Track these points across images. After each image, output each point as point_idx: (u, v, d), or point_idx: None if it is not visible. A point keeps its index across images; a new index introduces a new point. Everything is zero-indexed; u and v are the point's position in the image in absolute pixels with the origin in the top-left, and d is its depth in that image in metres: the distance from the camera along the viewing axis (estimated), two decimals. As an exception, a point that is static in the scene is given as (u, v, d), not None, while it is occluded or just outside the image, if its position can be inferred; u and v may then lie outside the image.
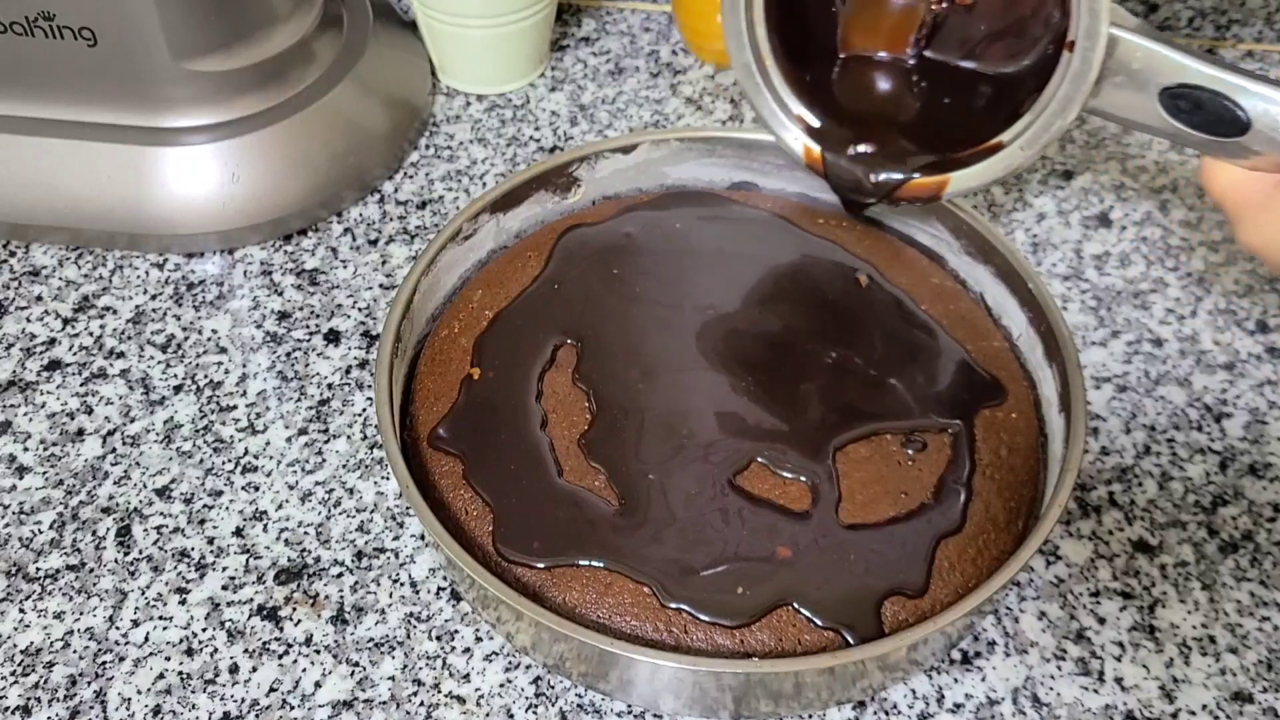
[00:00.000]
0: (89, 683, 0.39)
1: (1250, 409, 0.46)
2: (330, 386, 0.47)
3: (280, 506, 0.43)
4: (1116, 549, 0.42)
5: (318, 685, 0.39)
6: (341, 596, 0.41)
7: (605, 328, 0.44)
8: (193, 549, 0.42)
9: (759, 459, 0.39)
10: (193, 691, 0.38)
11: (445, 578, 0.41)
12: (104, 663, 0.39)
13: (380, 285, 0.51)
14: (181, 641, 0.40)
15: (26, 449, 0.45)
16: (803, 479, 0.39)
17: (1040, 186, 0.55)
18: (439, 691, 0.38)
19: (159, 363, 0.48)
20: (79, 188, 0.51)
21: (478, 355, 0.43)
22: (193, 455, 0.45)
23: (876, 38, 0.46)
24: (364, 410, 0.46)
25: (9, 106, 0.51)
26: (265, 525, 0.43)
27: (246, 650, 0.39)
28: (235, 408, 0.46)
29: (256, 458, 0.45)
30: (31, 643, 0.40)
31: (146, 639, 0.40)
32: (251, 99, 0.51)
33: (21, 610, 0.41)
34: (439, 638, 0.40)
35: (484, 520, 0.39)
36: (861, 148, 0.45)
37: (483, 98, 0.60)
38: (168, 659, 0.39)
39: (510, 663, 0.39)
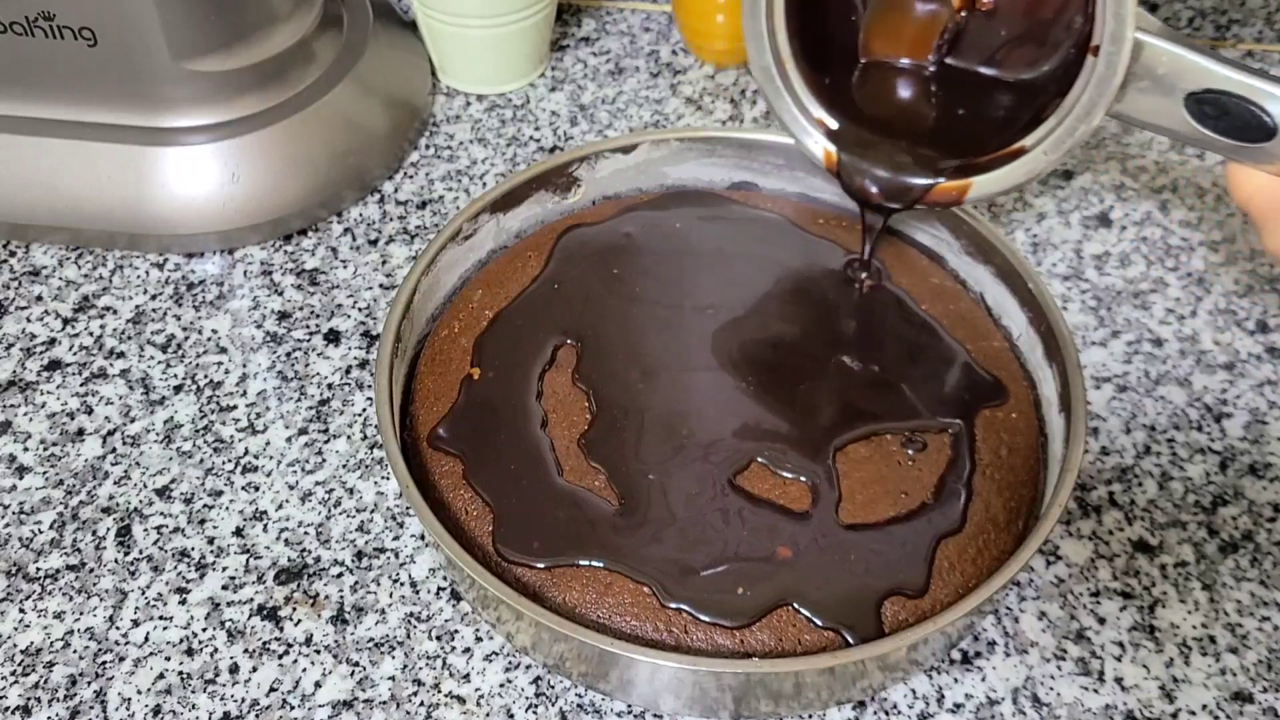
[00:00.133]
0: (89, 683, 0.39)
1: (1250, 409, 0.46)
2: (330, 386, 0.47)
3: (280, 506, 0.43)
4: (1116, 549, 0.42)
5: (318, 685, 0.39)
6: (341, 596, 0.41)
7: (605, 328, 0.44)
8: (193, 549, 0.42)
9: (759, 459, 0.40)
10: (193, 691, 0.38)
11: (445, 578, 0.41)
12: (104, 663, 0.39)
13: (380, 285, 0.51)
14: (181, 641, 0.40)
15: (26, 449, 0.45)
16: (803, 479, 0.39)
17: (1040, 186, 0.55)
18: (439, 691, 0.38)
19: (159, 363, 0.48)
20: (79, 188, 0.51)
21: (478, 355, 0.43)
22: (193, 455, 0.45)
23: (898, 44, 0.45)
24: (364, 410, 0.46)
25: (9, 106, 0.51)
26: (265, 525, 0.43)
27: (246, 650, 0.39)
28: (235, 408, 0.46)
29: (256, 458, 0.45)
30: (31, 643, 0.40)
31: (146, 639, 0.40)
32: (251, 99, 0.51)
33: (21, 610, 0.41)
34: (439, 638, 0.40)
35: (484, 520, 0.39)
36: (882, 152, 0.44)
37: (483, 98, 0.60)
38: (168, 659, 0.39)
39: (510, 663, 0.39)
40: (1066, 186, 0.55)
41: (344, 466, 0.45)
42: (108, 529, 0.43)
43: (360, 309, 0.50)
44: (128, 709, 0.38)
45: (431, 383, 0.43)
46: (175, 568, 0.42)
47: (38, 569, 0.42)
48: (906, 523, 0.38)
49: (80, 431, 0.46)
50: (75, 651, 0.40)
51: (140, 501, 0.44)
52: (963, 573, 0.37)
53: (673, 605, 0.36)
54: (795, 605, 0.36)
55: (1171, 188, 0.55)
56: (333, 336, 0.49)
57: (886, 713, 0.38)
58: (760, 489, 0.39)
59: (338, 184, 0.53)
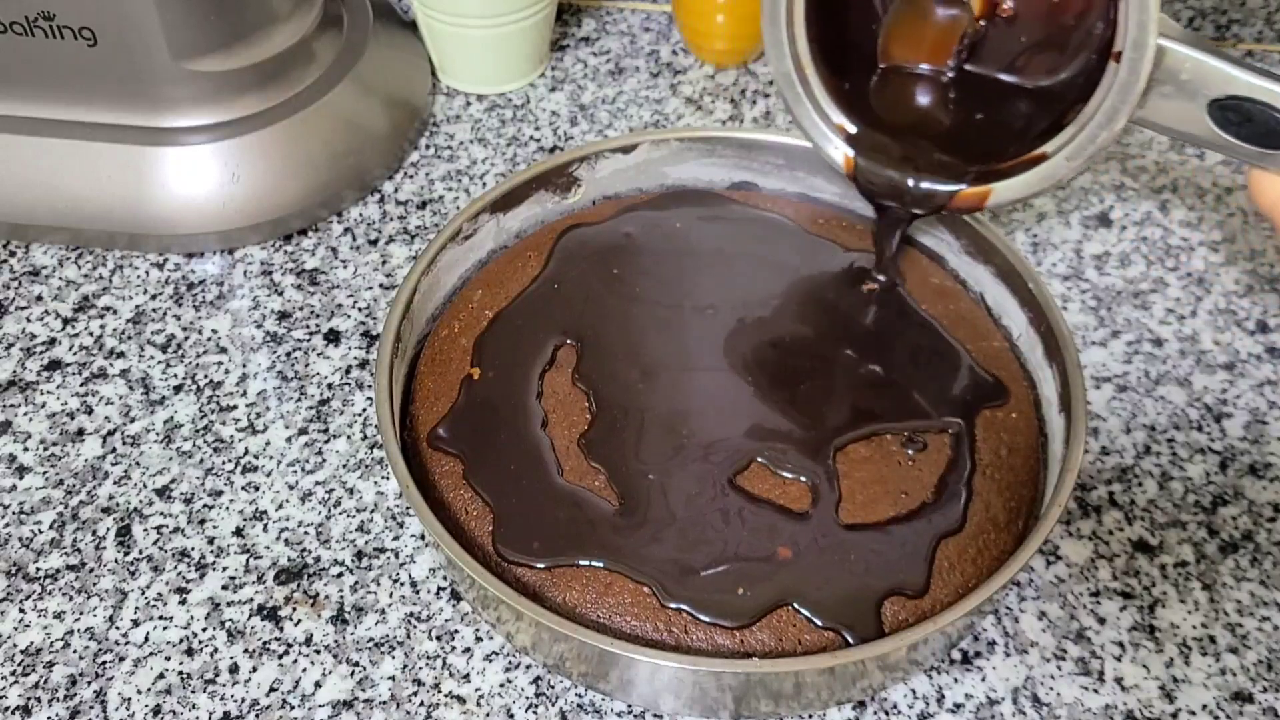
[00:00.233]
0: (89, 683, 0.39)
1: (1250, 409, 0.46)
2: (330, 386, 0.47)
3: (280, 506, 0.43)
4: (1116, 549, 0.42)
5: (318, 685, 0.39)
6: (341, 596, 0.41)
7: (605, 328, 0.44)
8: (193, 549, 0.42)
9: (759, 459, 0.40)
10: (193, 691, 0.38)
11: (445, 578, 0.41)
12: (104, 663, 0.39)
13: (380, 285, 0.51)
14: (181, 641, 0.40)
15: (26, 449, 0.45)
16: (803, 479, 0.39)
17: (1040, 186, 0.55)
18: (439, 691, 0.38)
19: (159, 363, 0.48)
20: (79, 188, 0.51)
21: (478, 355, 0.43)
22: (193, 455, 0.45)
23: (918, 50, 0.45)
24: (364, 410, 0.46)
25: (9, 106, 0.51)
26: (265, 525, 0.43)
27: (246, 650, 0.39)
28: (235, 408, 0.46)
29: (256, 458, 0.45)
30: (31, 643, 0.40)
31: (146, 639, 0.40)
32: (251, 99, 0.51)
33: (21, 610, 0.41)
34: (439, 638, 0.40)
35: (484, 520, 0.39)
36: (904, 159, 0.44)
37: (483, 98, 0.60)
38: (168, 659, 0.39)
39: (510, 663, 0.39)
40: (1066, 186, 0.55)
41: (344, 466, 0.45)
42: (108, 529, 0.43)
43: (360, 309, 0.50)
44: (128, 709, 0.38)
45: (431, 383, 0.43)
46: (175, 568, 0.42)
47: (38, 569, 0.42)
48: (906, 523, 0.38)
49: (80, 431, 0.46)
50: (75, 651, 0.40)
51: (140, 501, 0.44)
52: (963, 573, 0.37)
53: (673, 605, 0.36)
54: (795, 605, 0.36)
55: (1171, 188, 0.55)
56: (333, 336, 0.49)
57: (886, 713, 0.38)
58: (760, 489, 0.39)
59: (338, 184, 0.53)
